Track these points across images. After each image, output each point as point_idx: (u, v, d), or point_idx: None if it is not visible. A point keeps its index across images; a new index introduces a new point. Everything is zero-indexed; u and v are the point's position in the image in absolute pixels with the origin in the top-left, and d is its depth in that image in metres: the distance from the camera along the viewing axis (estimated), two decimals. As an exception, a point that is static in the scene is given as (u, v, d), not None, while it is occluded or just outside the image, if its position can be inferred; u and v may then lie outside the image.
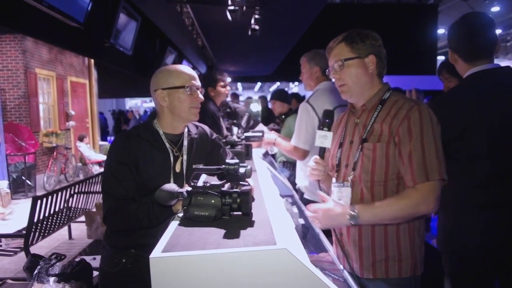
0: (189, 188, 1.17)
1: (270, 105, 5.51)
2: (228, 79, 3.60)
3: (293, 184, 3.05)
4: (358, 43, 1.52)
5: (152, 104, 24.88)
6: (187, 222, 1.11)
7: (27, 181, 7.39)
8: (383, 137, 1.46)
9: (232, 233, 1.01)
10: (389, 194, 1.46)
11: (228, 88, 3.62)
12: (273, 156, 3.46)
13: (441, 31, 17.96)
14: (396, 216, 1.40)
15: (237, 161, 1.15)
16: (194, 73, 1.60)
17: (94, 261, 3.08)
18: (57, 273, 2.25)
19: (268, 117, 6.24)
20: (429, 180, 1.38)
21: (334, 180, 1.61)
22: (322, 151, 1.65)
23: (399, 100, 1.50)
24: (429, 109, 1.46)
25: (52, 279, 2.24)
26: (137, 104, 25.29)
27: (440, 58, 20.83)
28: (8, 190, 6.79)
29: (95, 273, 2.54)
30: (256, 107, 7.19)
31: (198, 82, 1.60)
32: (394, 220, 1.43)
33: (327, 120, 1.63)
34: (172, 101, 1.56)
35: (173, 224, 1.11)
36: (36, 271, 2.27)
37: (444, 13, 16.56)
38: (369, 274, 1.51)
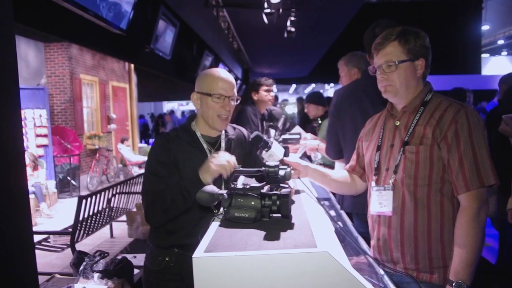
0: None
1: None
2: (271, 83, 3.58)
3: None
4: (411, 43, 1.45)
5: (188, 107, 25.56)
6: (227, 223, 1.13)
7: (72, 181, 7.77)
8: (426, 139, 1.41)
9: (272, 235, 1.02)
10: (432, 197, 1.42)
11: (272, 94, 3.62)
12: (309, 158, 3.42)
13: (485, 27, 17.07)
14: (477, 246, 1.34)
15: (277, 163, 1.16)
16: (228, 81, 1.58)
17: (135, 259, 3.19)
18: (100, 269, 2.35)
19: (304, 119, 6.21)
20: (484, 185, 1.33)
21: (373, 184, 1.58)
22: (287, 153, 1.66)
23: (443, 102, 1.44)
24: (476, 111, 1.40)
25: (96, 275, 2.34)
26: (174, 107, 25.90)
27: (485, 56, 19.78)
28: (55, 190, 7.17)
29: (136, 271, 2.64)
30: (291, 109, 7.14)
31: (230, 92, 1.58)
32: (481, 247, 1.36)
33: (260, 145, 1.58)
34: (202, 106, 1.59)
35: (214, 225, 1.14)
36: (81, 267, 2.38)
37: (489, 9, 15.80)
38: (411, 280, 1.47)
